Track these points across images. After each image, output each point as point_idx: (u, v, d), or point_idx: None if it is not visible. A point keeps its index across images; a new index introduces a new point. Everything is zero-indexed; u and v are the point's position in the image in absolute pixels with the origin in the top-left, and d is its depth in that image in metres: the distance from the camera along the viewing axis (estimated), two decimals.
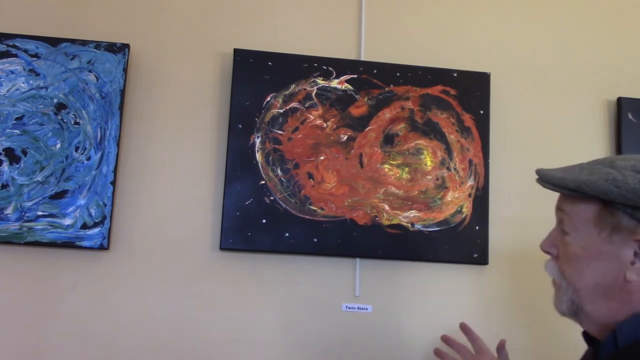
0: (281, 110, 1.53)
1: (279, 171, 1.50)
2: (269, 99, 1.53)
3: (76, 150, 1.45)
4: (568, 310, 0.88)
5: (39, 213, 1.41)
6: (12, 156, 1.43)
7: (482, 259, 1.54)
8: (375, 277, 1.53)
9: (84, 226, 1.42)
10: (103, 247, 1.42)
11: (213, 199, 1.50)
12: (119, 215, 1.47)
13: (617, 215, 0.80)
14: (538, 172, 0.91)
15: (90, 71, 1.48)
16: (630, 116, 1.66)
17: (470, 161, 1.58)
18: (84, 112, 1.47)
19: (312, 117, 1.54)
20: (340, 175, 1.52)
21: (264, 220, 1.47)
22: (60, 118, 1.46)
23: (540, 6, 1.73)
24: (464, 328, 1.37)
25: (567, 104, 1.68)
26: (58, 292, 1.43)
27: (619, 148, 1.65)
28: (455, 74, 1.60)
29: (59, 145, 1.45)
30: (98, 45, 1.49)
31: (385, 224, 1.51)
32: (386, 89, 1.57)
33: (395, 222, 1.52)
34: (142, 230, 1.47)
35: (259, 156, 1.50)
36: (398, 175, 1.54)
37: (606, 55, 1.72)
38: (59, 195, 1.43)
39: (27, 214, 1.41)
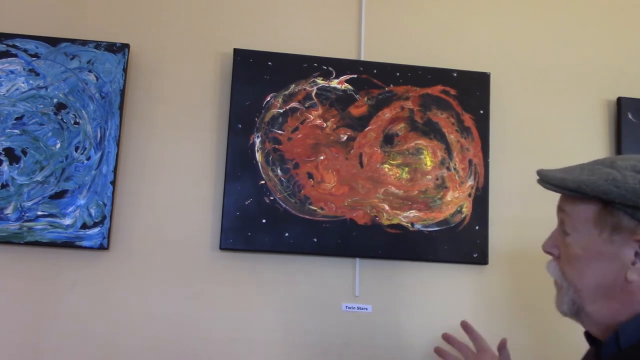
0: (281, 110, 1.53)
1: (278, 171, 1.50)
2: (268, 98, 1.53)
3: (76, 150, 1.45)
4: (569, 311, 0.88)
5: (39, 213, 1.41)
6: (12, 156, 1.43)
7: (481, 259, 1.54)
8: (375, 277, 1.53)
9: (84, 226, 1.42)
10: (103, 247, 1.42)
11: (213, 199, 1.50)
12: (119, 215, 1.47)
13: (617, 215, 0.80)
14: (539, 172, 0.91)
15: (90, 71, 1.48)
16: (630, 116, 1.66)
17: (470, 161, 1.58)
18: (83, 112, 1.47)
19: (312, 117, 1.54)
20: (340, 175, 1.52)
21: (263, 220, 1.47)
22: (60, 118, 1.46)
23: (540, 6, 1.73)
24: (465, 326, 1.37)
25: (567, 104, 1.68)
26: (58, 292, 1.43)
27: (618, 148, 1.65)
28: (455, 74, 1.60)
29: (58, 145, 1.45)
30: (98, 45, 1.49)
31: (385, 223, 1.51)
32: (386, 88, 1.57)
33: (395, 222, 1.52)
34: (142, 230, 1.47)
35: (258, 156, 1.50)
36: (398, 175, 1.54)
37: (606, 55, 1.72)
38: (58, 195, 1.43)
39: (27, 214, 1.41)
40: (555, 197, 0.91)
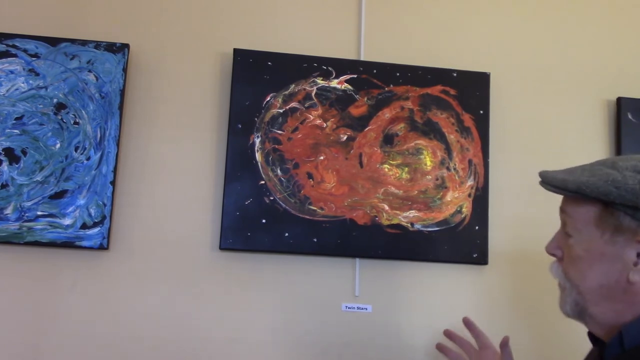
0: (281, 110, 1.53)
1: (278, 171, 1.50)
2: (268, 98, 1.53)
3: (76, 150, 1.45)
4: (572, 312, 0.88)
5: (39, 213, 1.41)
6: (11, 156, 1.43)
7: (481, 259, 1.54)
8: (375, 277, 1.53)
9: (84, 226, 1.42)
10: (103, 247, 1.42)
11: (213, 199, 1.50)
12: (119, 215, 1.47)
13: (618, 216, 0.80)
14: (541, 174, 0.91)
15: (90, 71, 1.48)
16: (629, 116, 1.66)
17: (469, 161, 1.58)
18: (83, 112, 1.47)
19: (311, 117, 1.54)
20: (340, 175, 1.52)
21: (263, 220, 1.47)
22: (60, 118, 1.46)
23: (540, 6, 1.73)
24: (467, 323, 1.37)
25: (567, 104, 1.68)
26: (58, 292, 1.43)
27: (618, 148, 1.65)
28: (455, 74, 1.60)
29: (58, 145, 1.45)
30: (98, 45, 1.49)
31: (384, 223, 1.51)
32: (386, 88, 1.57)
33: (395, 222, 1.52)
34: (142, 230, 1.47)
35: (258, 156, 1.50)
36: (398, 175, 1.54)
37: (606, 55, 1.72)
38: (58, 195, 1.43)
39: (26, 214, 1.41)
40: (555, 197, 0.91)
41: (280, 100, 1.53)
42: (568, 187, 0.84)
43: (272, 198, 1.49)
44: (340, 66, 1.57)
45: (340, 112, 1.55)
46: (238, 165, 1.49)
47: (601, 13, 1.75)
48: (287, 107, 1.53)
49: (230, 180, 1.48)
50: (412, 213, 1.53)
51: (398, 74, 1.58)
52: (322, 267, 1.52)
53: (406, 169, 1.55)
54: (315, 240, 1.48)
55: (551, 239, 0.93)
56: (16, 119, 1.44)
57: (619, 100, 1.67)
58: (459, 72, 1.61)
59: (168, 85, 1.54)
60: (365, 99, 1.56)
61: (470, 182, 1.56)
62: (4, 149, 1.43)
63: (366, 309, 1.51)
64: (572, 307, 0.87)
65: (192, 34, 1.58)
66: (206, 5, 1.60)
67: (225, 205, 1.46)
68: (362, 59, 1.61)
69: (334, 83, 1.56)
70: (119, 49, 1.49)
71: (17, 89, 1.46)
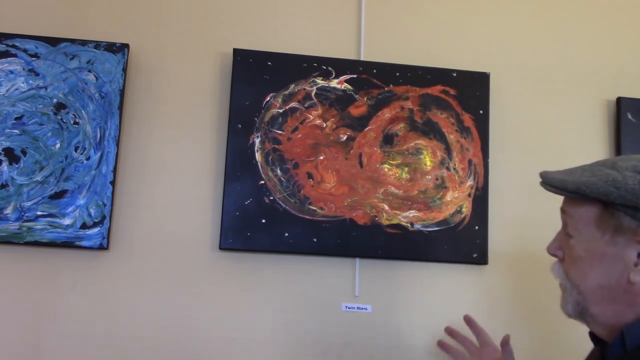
0: (281, 110, 1.53)
1: (278, 171, 1.50)
2: (268, 98, 1.53)
3: (76, 150, 1.45)
4: (574, 312, 0.88)
5: (39, 213, 1.41)
6: (11, 156, 1.43)
7: (481, 259, 1.54)
8: (374, 277, 1.53)
9: (84, 226, 1.42)
10: (102, 247, 1.42)
11: (213, 199, 1.50)
12: (119, 215, 1.47)
13: (618, 216, 0.80)
14: (541, 174, 0.91)
15: (89, 71, 1.48)
16: (629, 116, 1.66)
17: (469, 161, 1.58)
18: (83, 112, 1.47)
19: (311, 117, 1.54)
20: (340, 175, 1.52)
21: (263, 220, 1.47)
22: (59, 118, 1.46)
23: (540, 6, 1.73)
24: (468, 320, 1.37)
25: (567, 104, 1.68)
26: (58, 292, 1.43)
27: (618, 148, 1.65)
28: (454, 74, 1.60)
29: (58, 145, 1.45)
30: (98, 45, 1.49)
31: (384, 223, 1.51)
32: (386, 88, 1.57)
33: (394, 222, 1.52)
34: (142, 230, 1.47)
35: (258, 156, 1.50)
36: (397, 175, 1.54)
37: (606, 55, 1.72)
38: (58, 195, 1.43)
39: (26, 214, 1.41)
40: (555, 197, 0.90)
41: (280, 100, 1.53)
42: (568, 187, 0.84)
43: (272, 198, 1.49)
44: (340, 66, 1.57)
45: (340, 112, 1.55)
46: (238, 165, 1.49)
47: (601, 13, 1.75)
48: (287, 107, 1.53)
49: (230, 180, 1.48)
50: (412, 213, 1.53)
51: (398, 74, 1.58)
52: (322, 267, 1.52)
53: (406, 169, 1.55)
54: (315, 240, 1.48)
55: (552, 240, 0.93)
56: (16, 119, 1.44)
57: (619, 100, 1.67)
58: (459, 72, 1.61)
59: (168, 85, 1.54)
60: (365, 99, 1.56)
61: (470, 182, 1.56)
62: (4, 149, 1.43)
63: (366, 309, 1.51)
64: (573, 307, 0.87)
65: (192, 34, 1.58)
66: (206, 5, 1.60)
67: (225, 205, 1.46)
68: (362, 59, 1.61)
69: (334, 83, 1.56)
70: (119, 49, 1.49)
71: (17, 89, 1.46)
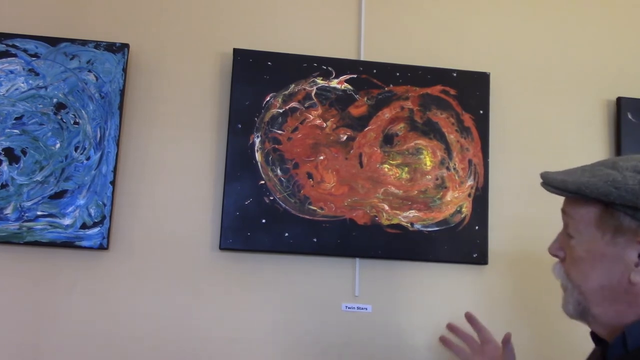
0: (281, 110, 1.53)
1: (278, 171, 1.50)
2: (268, 98, 1.53)
3: (76, 150, 1.45)
4: (575, 312, 0.88)
5: (39, 213, 1.41)
6: (11, 156, 1.43)
7: (481, 259, 1.54)
8: (374, 277, 1.53)
9: (84, 226, 1.42)
10: (102, 247, 1.42)
11: (213, 199, 1.50)
12: (119, 215, 1.47)
13: (619, 217, 0.80)
14: (542, 175, 0.91)
15: (89, 71, 1.48)
16: (629, 116, 1.66)
17: (469, 161, 1.58)
18: (83, 112, 1.47)
19: (311, 117, 1.54)
20: (340, 175, 1.52)
21: (263, 220, 1.47)
22: (59, 118, 1.46)
23: (540, 6, 1.73)
24: (469, 318, 1.38)
25: (567, 104, 1.68)
26: (58, 292, 1.43)
27: (618, 148, 1.65)
28: (455, 74, 1.60)
29: (58, 145, 1.45)
30: (98, 45, 1.49)
31: (384, 223, 1.51)
32: (386, 88, 1.57)
33: (394, 222, 1.52)
34: (142, 230, 1.47)
35: (258, 156, 1.50)
36: (397, 175, 1.54)
37: (606, 55, 1.72)
38: (58, 195, 1.43)
39: (26, 214, 1.41)
40: (555, 197, 0.91)
41: (280, 100, 1.53)
42: (568, 187, 0.84)
43: (272, 198, 1.49)
44: (340, 66, 1.57)
45: (340, 112, 1.55)
46: (238, 165, 1.49)
47: (601, 13, 1.75)
48: (287, 107, 1.53)
49: (230, 180, 1.48)
50: (412, 213, 1.53)
51: (398, 74, 1.58)
52: (322, 267, 1.52)
53: (406, 168, 1.55)
54: (315, 240, 1.48)
55: (554, 240, 0.93)
56: (16, 118, 1.44)
57: (619, 100, 1.67)
58: (459, 72, 1.61)
59: (168, 85, 1.54)
60: (365, 99, 1.56)
61: (470, 182, 1.56)
62: (3, 149, 1.43)
63: (366, 309, 1.51)
64: (574, 307, 0.87)
65: (192, 34, 1.58)
66: (206, 5, 1.60)
67: (225, 205, 1.46)
68: (362, 59, 1.61)
69: (334, 83, 1.56)
70: (119, 49, 1.49)
71: (17, 89, 1.46)
